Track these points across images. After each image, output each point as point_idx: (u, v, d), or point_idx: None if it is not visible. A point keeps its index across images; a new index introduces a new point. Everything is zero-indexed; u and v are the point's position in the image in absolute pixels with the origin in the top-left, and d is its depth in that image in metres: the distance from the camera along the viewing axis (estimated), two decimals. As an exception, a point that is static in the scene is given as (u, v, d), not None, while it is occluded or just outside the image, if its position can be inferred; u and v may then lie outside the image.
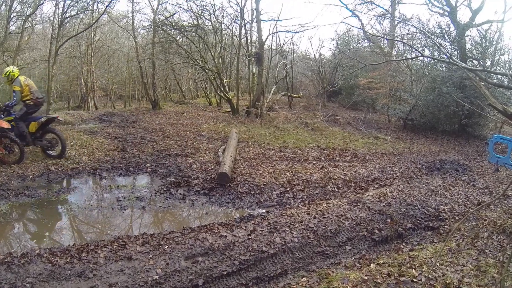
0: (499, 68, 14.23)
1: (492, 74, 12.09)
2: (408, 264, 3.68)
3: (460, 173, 8.07)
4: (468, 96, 11.87)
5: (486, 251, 3.96)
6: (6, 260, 3.65)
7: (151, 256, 3.80)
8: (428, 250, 4.07)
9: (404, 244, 4.50)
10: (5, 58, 12.36)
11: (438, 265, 3.62)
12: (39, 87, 9.67)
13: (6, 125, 7.45)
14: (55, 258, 3.71)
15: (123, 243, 4.07)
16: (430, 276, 3.38)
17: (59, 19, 10.30)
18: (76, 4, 12.05)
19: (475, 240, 4.29)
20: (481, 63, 13.20)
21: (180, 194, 6.13)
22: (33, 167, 7.04)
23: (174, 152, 8.66)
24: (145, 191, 6.24)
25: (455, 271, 3.55)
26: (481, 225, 4.84)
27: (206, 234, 4.35)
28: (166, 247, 4.01)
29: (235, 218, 5.11)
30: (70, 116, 13.60)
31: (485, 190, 6.78)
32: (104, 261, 3.69)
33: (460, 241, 4.32)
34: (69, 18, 12.43)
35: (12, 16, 11.10)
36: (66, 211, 5.50)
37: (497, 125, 13.81)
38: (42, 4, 12.28)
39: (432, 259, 3.76)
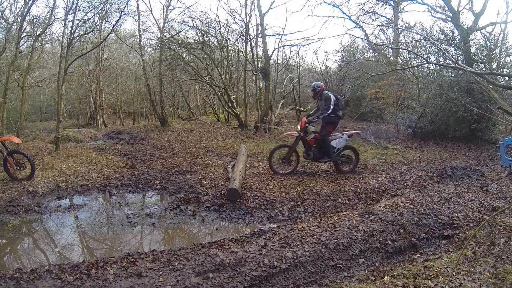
0: (505, 70, 14.11)
1: (499, 76, 12.00)
2: (424, 275, 3.58)
3: (472, 178, 7.93)
4: (476, 100, 11.75)
5: (503, 257, 3.85)
6: (16, 276, 3.65)
7: (161, 272, 3.77)
8: (443, 259, 3.97)
9: (418, 255, 4.39)
10: (15, 77, 12.61)
11: (454, 274, 3.53)
12: (49, 105, 9.91)
13: (17, 140, 7.60)
14: (65, 274, 3.69)
15: (133, 259, 4.04)
16: (447, 287, 3.29)
17: (68, 39, 10.49)
18: (84, 24, 12.30)
19: (492, 246, 4.17)
20: (487, 66, 13.09)
21: (190, 210, 6.11)
22: (43, 183, 7.12)
23: (184, 168, 8.68)
24: (154, 208, 6.23)
25: (472, 280, 3.45)
26: (497, 231, 4.71)
27: (217, 250, 4.31)
28: (176, 263, 3.97)
29: (246, 234, 5.05)
30: (79, 133, 13.78)
31: (499, 195, 6.64)
32: (114, 278, 3.66)
33: (476, 248, 4.20)
34: (77, 38, 12.65)
35: (22, 36, 11.36)
36: (76, 227, 5.51)
37: (508, 128, 13.61)
38: (51, 24, 12.54)
39: (448, 268, 3.66)
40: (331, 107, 7.58)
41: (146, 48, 19.94)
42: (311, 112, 8.45)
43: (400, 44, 15.99)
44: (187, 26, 16.79)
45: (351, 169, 8.18)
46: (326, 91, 7.85)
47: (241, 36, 16.71)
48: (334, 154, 7.98)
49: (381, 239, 4.71)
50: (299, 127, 8.10)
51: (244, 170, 7.94)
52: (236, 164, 8.10)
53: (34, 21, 12.60)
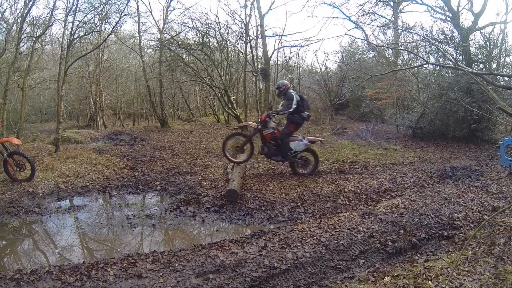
0: (505, 70, 14.11)
1: (499, 76, 11.99)
2: (424, 276, 3.58)
3: (472, 179, 7.93)
4: (476, 101, 11.75)
5: (504, 257, 3.85)
6: (16, 277, 3.66)
7: (161, 274, 3.77)
8: (443, 260, 3.97)
9: (418, 255, 4.39)
10: (16, 78, 12.62)
11: (455, 275, 3.53)
12: (49, 106, 9.98)
13: (17, 141, 7.61)
14: (65, 275, 3.70)
15: (133, 261, 4.05)
16: (447, 287, 3.29)
17: (68, 40, 10.50)
18: (84, 25, 12.29)
19: (492, 247, 4.17)
20: (487, 66, 13.09)
21: (190, 211, 6.11)
22: (43, 184, 7.12)
23: (184, 169, 8.68)
24: (155, 209, 6.23)
25: (473, 280, 3.45)
26: (497, 231, 4.71)
27: (217, 251, 4.31)
28: (176, 264, 3.97)
29: (246, 235, 5.06)
30: (79, 134, 13.77)
31: (499, 195, 6.64)
32: (114, 279, 3.66)
33: (477, 249, 4.20)
34: (77, 39, 12.66)
35: (22, 37, 11.38)
36: (76, 228, 5.52)
37: (507, 128, 13.60)
38: (51, 25, 12.53)
39: (449, 269, 3.66)
40: (293, 106, 7.56)
41: (146, 49, 19.96)
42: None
43: (399, 44, 16.01)
44: (187, 27, 16.79)
45: (309, 172, 8.09)
46: (291, 91, 7.85)
47: (241, 37, 16.72)
48: (291, 155, 7.92)
49: (382, 239, 4.71)
50: (259, 120, 8.09)
51: (244, 171, 7.93)
52: (235, 166, 8.10)
53: (34, 23, 12.62)
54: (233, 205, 6.32)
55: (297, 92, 10.41)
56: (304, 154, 8.15)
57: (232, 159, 8.12)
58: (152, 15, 31.85)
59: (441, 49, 11.49)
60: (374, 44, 17.96)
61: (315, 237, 4.69)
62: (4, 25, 12.37)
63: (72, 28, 10.76)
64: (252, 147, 8.11)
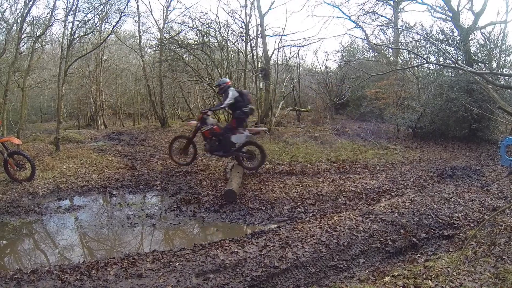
0: (505, 69, 14.11)
1: (499, 76, 11.98)
2: (424, 275, 3.58)
3: (472, 178, 7.93)
4: (477, 100, 11.76)
5: (504, 257, 3.85)
6: (16, 276, 3.67)
7: (161, 273, 3.77)
8: (444, 259, 3.97)
9: (419, 255, 4.39)
10: (16, 78, 12.62)
11: (455, 274, 3.53)
12: (49, 106, 10.05)
13: (17, 141, 7.61)
14: (65, 275, 3.70)
15: (133, 260, 4.05)
16: (447, 287, 3.29)
17: (68, 40, 10.49)
18: (84, 25, 12.29)
19: (492, 246, 4.17)
20: (487, 65, 13.09)
21: (190, 211, 6.11)
22: (44, 184, 7.12)
23: (184, 169, 8.68)
24: (155, 209, 6.24)
25: (473, 280, 3.45)
26: (498, 231, 4.71)
27: (217, 250, 4.31)
28: (176, 264, 3.97)
29: (246, 234, 5.05)
30: (79, 134, 13.76)
31: (500, 194, 6.64)
32: (114, 278, 3.67)
33: (477, 248, 4.20)
34: (77, 39, 12.66)
35: (22, 37, 11.37)
36: (76, 228, 5.52)
37: (508, 128, 13.60)
38: (51, 25, 12.51)
39: (449, 268, 3.66)
40: (225, 102, 7.70)
41: (146, 49, 19.91)
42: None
43: (400, 44, 16.00)
44: (187, 27, 16.77)
45: (255, 166, 8.14)
46: (232, 88, 7.91)
47: (241, 37, 16.70)
48: (234, 150, 8.00)
49: (382, 239, 4.71)
50: (198, 118, 8.24)
51: (243, 171, 7.93)
52: (234, 165, 8.11)
53: (34, 22, 12.61)
54: (234, 205, 6.33)
55: (297, 91, 10.41)
56: (250, 148, 8.18)
57: (179, 162, 8.34)
58: (152, 14, 31.76)
59: (442, 49, 11.50)
60: (374, 44, 17.97)
61: (315, 237, 4.69)
62: (4, 25, 12.37)
63: (72, 28, 10.75)
64: (194, 147, 8.31)
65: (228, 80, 8.22)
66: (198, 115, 8.23)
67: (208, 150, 8.18)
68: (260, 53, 17.54)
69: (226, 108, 8.12)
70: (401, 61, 17.92)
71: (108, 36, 14.80)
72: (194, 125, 8.18)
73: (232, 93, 7.74)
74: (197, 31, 16.36)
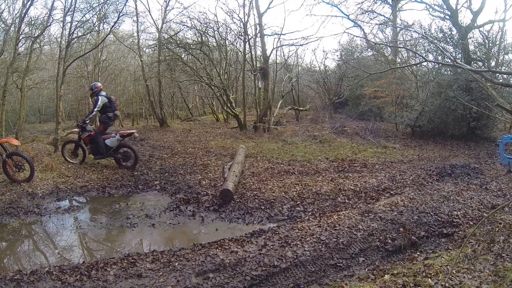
0: (504, 67, 14.12)
1: (497, 74, 11.98)
2: (424, 273, 3.59)
3: (471, 177, 7.94)
4: (475, 99, 11.78)
5: (503, 255, 3.86)
6: (16, 278, 3.66)
7: (161, 273, 3.77)
8: (443, 257, 3.98)
9: (418, 253, 4.40)
10: (14, 78, 12.59)
11: (454, 272, 3.53)
12: (48, 107, 10.34)
13: (16, 142, 7.60)
14: (65, 275, 3.70)
15: (133, 260, 4.05)
16: (447, 285, 3.30)
17: (66, 40, 10.49)
18: (82, 25, 12.26)
19: (491, 244, 4.18)
20: (486, 64, 13.10)
21: (189, 211, 6.11)
22: (43, 185, 7.11)
23: (183, 169, 8.68)
24: (154, 209, 6.23)
25: (472, 277, 3.45)
26: (497, 229, 4.72)
27: (217, 250, 4.31)
28: (176, 264, 3.97)
29: (245, 234, 5.04)
30: (78, 135, 13.71)
31: (499, 192, 6.66)
32: (114, 278, 3.66)
33: (476, 246, 4.21)
34: (76, 39, 12.66)
35: (20, 37, 11.33)
36: (76, 228, 5.51)
37: (506, 126, 13.63)
38: (49, 25, 12.51)
39: (448, 266, 3.67)
40: (94, 110, 8.49)
41: (144, 49, 19.88)
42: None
43: (398, 42, 16.01)
44: (186, 27, 16.79)
45: (132, 165, 8.72)
46: (102, 93, 8.59)
47: (240, 36, 16.73)
48: (110, 152, 8.68)
49: (381, 237, 4.72)
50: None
51: (240, 170, 7.94)
52: (232, 165, 8.11)
53: (33, 23, 12.55)
54: (233, 204, 6.33)
55: (296, 91, 10.45)
56: (126, 150, 8.83)
57: (71, 161, 8.80)
58: (150, 14, 31.98)
59: (440, 47, 11.52)
60: (373, 42, 17.97)
61: (314, 236, 4.69)
62: (2, 25, 12.35)
63: (70, 28, 10.75)
64: (83, 149, 8.79)
65: (99, 84, 8.95)
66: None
67: (91, 153, 8.78)
68: (258, 53, 17.59)
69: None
70: (399, 60, 17.95)
71: (106, 36, 14.80)
72: (76, 133, 8.87)
73: (101, 99, 8.45)
74: (196, 31, 16.39)
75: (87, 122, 8.70)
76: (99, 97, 8.43)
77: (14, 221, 5.60)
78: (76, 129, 8.87)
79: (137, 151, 9.05)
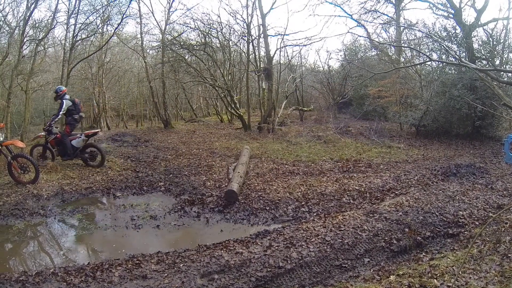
0: (508, 66, 14.02)
1: (502, 72, 11.89)
2: (429, 274, 3.57)
3: (477, 176, 7.88)
4: (480, 97, 11.70)
5: (509, 255, 3.83)
6: (21, 279, 3.69)
7: (166, 274, 3.78)
8: (449, 258, 3.96)
9: (424, 253, 4.38)
10: (19, 81, 12.67)
11: (460, 273, 3.51)
12: (53, 109, 10.42)
13: (21, 144, 7.65)
14: (70, 277, 3.72)
15: (138, 261, 4.06)
16: (453, 286, 3.28)
17: (70, 42, 10.58)
18: (86, 27, 12.36)
19: (497, 245, 4.15)
20: (490, 62, 13.01)
21: (194, 212, 6.11)
22: (48, 186, 7.14)
23: (188, 170, 8.68)
24: (159, 210, 6.24)
25: (478, 278, 3.43)
26: (503, 229, 4.68)
27: (222, 251, 4.31)
28: (181, 265, 3.98)
29: (250, 235, 5.04)
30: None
31: (504, 192, 6.60)
32: (119, 280, 3.67)
33: (482, 247, 4.18)
34: (80, 41, 12.75)
35: (25, 40, 11.42)
36: (81, 230, 5.53)
37: (512, 125, 13.54)
38: (53, 28, 12.59)
39: (454, 267, 3.64)
40: (59, 114, 8.49)
41: (148, 50, 19.93)
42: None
43: (402, 42, 15.97)
44: (189, 28, 16.81)
45: (98, 164, 8.81)
46: (66, 96, 8.62)
47: (243, 37, 16.72)
48: (78, 153, 8.73)
49: (386, 238, 4.70)
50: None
51: (244, 171, 7.94)
52: (236, 166, 8.11)
53: (37, 25, 12.62)
54: (238, 205, 6.33)
55: (300, 91, 10.43)
56: (92, 150, 8.91)
57: (40, 164, 8.65)
58: (154, 16, 31.90)
59: (444, 46, 11.46)
60: (377, 42, 17.93)
61: (319, 236, 4.68)
62: (7, 28, 12.41)
63: (74, 30, 10.83)
64: (51, 152, 8.79)
65: (64, 88, 9.01)
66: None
67: (59, 155, 8.74)
68: (262, 53, 17.59)
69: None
70: (403, 59, 17.87)
71: (110, 38, 14.90)
72: (42, 136, 8.85)
73: (66, 102, 8.51)
74: (199, 32, 16.42)
75: (53, 125, 8.71)
76: (64, 100, 8.51)
77: (19, 222, 5.63)
78: (42, 133, 8.91)
79: (103, 150, 9.17)
